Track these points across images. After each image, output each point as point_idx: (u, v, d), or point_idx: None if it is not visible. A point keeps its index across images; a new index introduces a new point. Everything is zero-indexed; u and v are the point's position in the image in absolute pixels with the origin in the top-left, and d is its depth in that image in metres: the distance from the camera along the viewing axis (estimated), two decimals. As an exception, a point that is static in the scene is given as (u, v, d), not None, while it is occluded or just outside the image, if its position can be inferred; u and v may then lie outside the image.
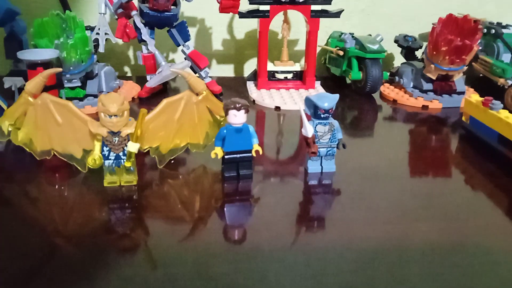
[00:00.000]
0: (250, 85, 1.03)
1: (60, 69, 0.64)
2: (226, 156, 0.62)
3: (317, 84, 1.02)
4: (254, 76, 1.04)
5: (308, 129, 0.61)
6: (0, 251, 0.49)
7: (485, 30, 1.02)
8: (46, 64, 0.74)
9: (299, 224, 0.56)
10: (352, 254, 0.50)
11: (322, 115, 0.62)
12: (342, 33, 1.04)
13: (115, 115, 0.56)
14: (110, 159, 0.59)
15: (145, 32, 0.91)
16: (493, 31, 1.02)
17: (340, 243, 0.52)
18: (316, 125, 0.63)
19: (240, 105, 0.59)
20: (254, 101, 0.96)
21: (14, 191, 0.62)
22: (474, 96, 0.78)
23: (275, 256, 0.49)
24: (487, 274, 0.48)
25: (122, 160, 0.60)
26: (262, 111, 0.92)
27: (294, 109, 0.92)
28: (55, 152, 0.63)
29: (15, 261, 0.48)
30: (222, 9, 0.91)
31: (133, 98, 0.95)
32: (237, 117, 0.60)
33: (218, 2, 0.91)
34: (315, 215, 0.58)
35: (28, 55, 0.75)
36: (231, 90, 1.03)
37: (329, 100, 0.62)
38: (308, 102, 0.64)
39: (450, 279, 0.47)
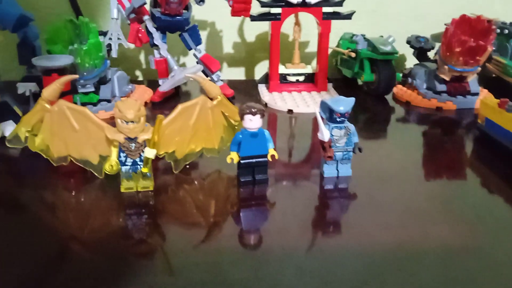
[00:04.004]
0: (262, 88, 1.03)
1: (76, 76, 0.65)
2: (241, 161, 0.62)
3: (329, 86, 1.02)
4: (265, 79, 1.04)
5: (325, 133, 0.61)
6: (16, 256, 0.50)
7: (498, 31, 1.01)
8: (61, 70, 0.74)
9: (315, 229, 0.56)
10: (367, 259, 0.50)
11: (338, 119, 0.62)
12: (353, 35, 1.04)
13: (132, 121, 0.56)
14: (127, 165, 0.60)
15: (157, 37, 0.91)
16: (506, 31, 1.01)
17: (356, 248, 0.52)
18: (332, 129, 0.63)
19: (255, 109, 0.59)
20: (266, 104, 0.96)
21: (30, 197, 0.63)
22: (489, 98, 0.77)
23: (291, 262, 0.49)
24: (504, 279, 0.47)
25: (139, 166, 0.60)
26: (275, 114, 0.92)
27: (306, 112, 0.91)
28: (71, 158, 0.63)
29: (31, 267, 0.48)
30: (234, 13, 0.91)
31: (145, 103, 0.95)
32: (253, 122, 0.60)
33: (230, 6, 0.91)
34: (331, 219, 0.58)
35: (43, 61, 0.76)
36: (242, 93, 1.03)
37: (344, 104, 0.62)
38: (324, 105, 0.63)
39: (466, 283, 0.46)
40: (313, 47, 1.14)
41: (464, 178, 0.70)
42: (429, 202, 0.61)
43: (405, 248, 0.52)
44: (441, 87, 0.94)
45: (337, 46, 1.10)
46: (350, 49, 1.02)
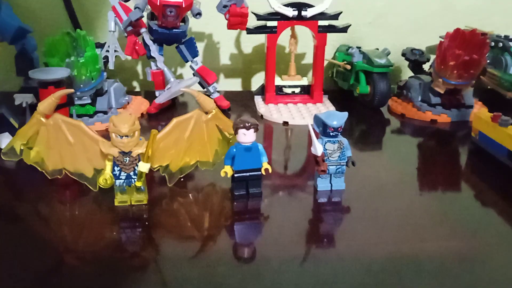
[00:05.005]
0: (258, 99, 1.03)
1: (72, 90, 0.65)
2: (235, 175, 0.63)
3: (325, 98, 1.03)
4: (261, 91, 1.05)
5: (318, 147, 0.61)
6: (10, 269, 0.50)
7: (493, 43, 1.02)
8: (58, 83, 0.75)
9: (309, 242, 0.56)
10: (361, 272, 0.50)
11: (331, 133, 0.63)
12: (349, 47, 1.05)
13: (126, 136, 0.57)
14: (121, 179, 0.60)
15: (154, 49, 0.92)
16: (501, 44, 1.01)
17: (351, 261, 0.52)
18: (325, 143, 0.63)
19: (249, 124, 0.60)
20: (262, 116, 0.96)
21: (25, 209, 0.63)
22: (483, 111, 0.78)
23: (285, 274, 0.49)
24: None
25: (133, 180, 0.60)
26: (270, 126, 0.93)
27: (302, 124, 0.92)
28: (66, 171, 0.63)
29: (25, 279, 0.48)
30: (230, 26, 0.92)
31: (142, 114, 0.96)
32: (247, 136, 0.61)
33: (226, 19, 0.92)
34: (324, 233, 0.58)
35: (39, 74, 0.76)
36: (239, 104, 1.03)
37: (338, 118, 0.62)
38: (317, 120, 0.64)
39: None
40: (309, 59, 1.15)
41: (459, 191, 0.70)
42: (423, 215, 0.61)
43: (401, 260, 0.52)
44: (436, 99, 0.95)
45: (333, 58, 1.11)
46: (345, 61, 1.03)
